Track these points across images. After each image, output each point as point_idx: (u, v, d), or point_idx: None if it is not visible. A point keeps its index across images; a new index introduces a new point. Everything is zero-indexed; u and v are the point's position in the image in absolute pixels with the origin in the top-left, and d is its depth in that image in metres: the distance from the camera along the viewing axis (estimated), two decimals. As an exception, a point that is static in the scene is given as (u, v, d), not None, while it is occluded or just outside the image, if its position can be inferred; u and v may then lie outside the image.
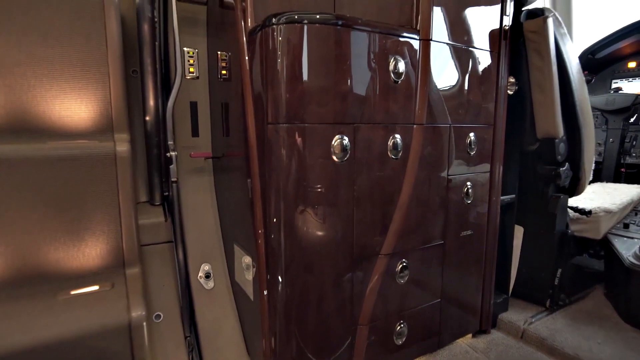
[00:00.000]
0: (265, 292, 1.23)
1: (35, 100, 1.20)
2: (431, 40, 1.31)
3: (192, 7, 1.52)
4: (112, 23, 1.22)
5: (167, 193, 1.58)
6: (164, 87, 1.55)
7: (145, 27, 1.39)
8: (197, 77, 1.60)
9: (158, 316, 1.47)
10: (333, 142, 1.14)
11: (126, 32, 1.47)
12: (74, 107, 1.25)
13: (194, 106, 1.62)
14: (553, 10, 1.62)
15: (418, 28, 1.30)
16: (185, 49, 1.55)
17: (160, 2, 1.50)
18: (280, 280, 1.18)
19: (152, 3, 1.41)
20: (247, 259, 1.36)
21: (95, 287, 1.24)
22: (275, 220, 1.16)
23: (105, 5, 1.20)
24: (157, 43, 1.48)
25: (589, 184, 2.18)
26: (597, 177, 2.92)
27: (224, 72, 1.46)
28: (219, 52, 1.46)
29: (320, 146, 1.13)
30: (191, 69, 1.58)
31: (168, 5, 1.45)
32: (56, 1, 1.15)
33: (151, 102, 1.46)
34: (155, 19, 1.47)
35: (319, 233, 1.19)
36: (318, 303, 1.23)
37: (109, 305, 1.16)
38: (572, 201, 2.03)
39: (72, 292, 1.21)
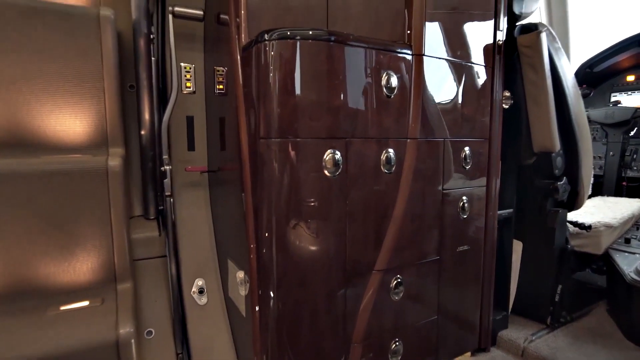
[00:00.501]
0: (257, 308, 1.21)
1: (30, 115, 1.21)
2: (424, 55, 1.32)
3: (189, 24, 1.54)
4: (108, 39, 1.24)
5: (162, 207, 1.57)
6: (161, 102, 1.57)
7: (142, 43, 1.41)
8: (194, 92, 1.61)
9: (149, 332, 1.45)
10: (325, 157, 1.14)
11: (124, 48, 1.49)
12: (69, 121, 1.26)
13: (190, 120, 1.63)
14: (547, 25, 1.63)
15: (411, 43, 1.31)
16: (182, 64, 1.56)
17: (158, 18, 1.53)
18: (272, 295, 1.16)
19: (148, 19, 1.43)
20: (241, 274, 1.34)
21: (86, 303, 1.23)
22: (267, 234, 1.15)
23: (101, 22, 1.23)
24: (153, 58, 1.49)
25: (590, 197, 2.15)
26: (598, 191, 2.89)
27: (220, 87, 1.46)
28: (215, 67, 1.47)
29: (312, 161, 1.13)
30: (188, 84, 1.59)
31: (165, 22, 1.47)
32: (52, 18, 1.17)
33: (147, 116, 1.47)
34: (153, 35, 1.50)
35: (311, 248, 1.17)
36: (310, 320, 1.20)
37: (97, 322, 1.15)
38: (573, 215, 2.00)
39: (62, 308, 1.20)
